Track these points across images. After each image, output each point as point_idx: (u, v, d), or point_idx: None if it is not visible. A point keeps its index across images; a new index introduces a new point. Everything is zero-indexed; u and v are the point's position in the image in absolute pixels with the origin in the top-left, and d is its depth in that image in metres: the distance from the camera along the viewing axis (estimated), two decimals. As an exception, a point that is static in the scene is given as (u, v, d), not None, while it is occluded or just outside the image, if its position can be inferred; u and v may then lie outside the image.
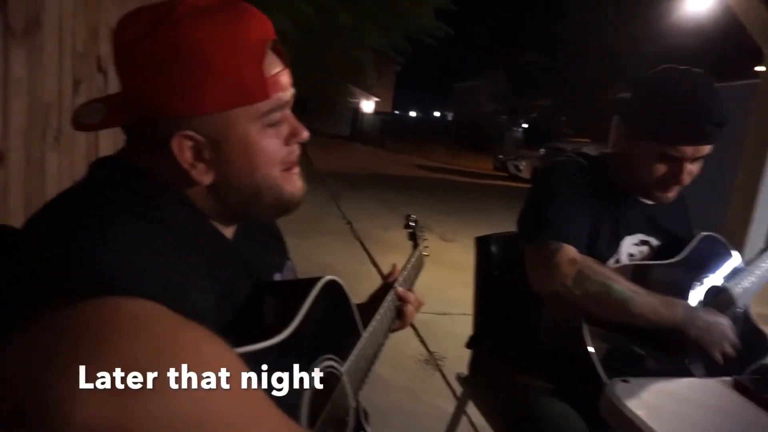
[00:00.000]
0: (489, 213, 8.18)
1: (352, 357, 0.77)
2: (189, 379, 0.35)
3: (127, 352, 0.34)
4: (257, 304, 0.66)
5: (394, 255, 1.30)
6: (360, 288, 1.00)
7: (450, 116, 42.96)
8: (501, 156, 18.06)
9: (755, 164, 3.00)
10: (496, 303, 1.52)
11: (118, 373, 0.33)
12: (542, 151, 15.59)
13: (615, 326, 1.14)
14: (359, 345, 0.80)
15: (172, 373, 0.34)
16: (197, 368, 0.36)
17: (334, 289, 0.74)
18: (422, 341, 2.97)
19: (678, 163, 1.19)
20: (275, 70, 0.62)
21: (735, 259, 1.34)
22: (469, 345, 1.55)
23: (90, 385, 0.32)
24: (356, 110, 25.14)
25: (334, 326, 0.77)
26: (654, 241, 1.32)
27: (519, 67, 28.20)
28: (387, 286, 1.02)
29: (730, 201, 3.10)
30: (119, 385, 0.32)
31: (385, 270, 0.88)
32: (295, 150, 0.68)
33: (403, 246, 1.29)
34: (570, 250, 1.15)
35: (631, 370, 1.02)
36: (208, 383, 0.35)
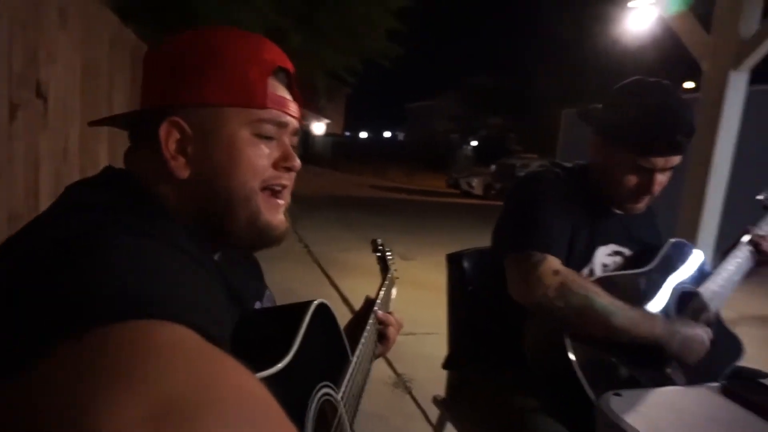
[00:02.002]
0: (446, 230, 8.26)
1: (345, 384, 0.74)
2: (225, 411, 0.31)
3: (158, 382, 0.31)
4: (251, 331, 0.61)
5: (354, 277, 1.27)
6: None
7: (401, 136, 43.51)
8: (453, 174, 18.45)
9: (700, 172, 3.15)
10: (472, 320, 1.48)
11: (151, 406, 0.29)
12: (493, 167, 16.01)
13: (596, 341, 1.13)
14: (350, 370, 0.77)
15: (208, 409, 0.31)
16: (235, 404, 0.32)
17: (324, 313, 0.69)
18: (389, 364, 2.91)
19: (649, 174, 1.20)
20: (281, 92, 0.64)
21: (699, 256, 1.36)
22: (446, 366, 1.51)
23: (118, 418, 0.28)
24: (307, 132, 25.14)
25: (326, 351, 0.73)
26: (626, 251, 1.33)
27: (469, 86, 29.08)
28: (365, 310, 1.00)
29: (678, 209, 3.23)
30: (149, 418, 0.29)
31: (346, 292, 0.86)
32: (284, 177, 0.66)
33: (362, 267, 1.27)
34: (553, 261, 1.14)
35: (615, 383, 1.01)
36: (244, 419, 0.32)
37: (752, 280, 1.42)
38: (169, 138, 0.60)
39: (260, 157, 0.63)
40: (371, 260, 1.29)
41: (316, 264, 5.12)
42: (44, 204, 1.83)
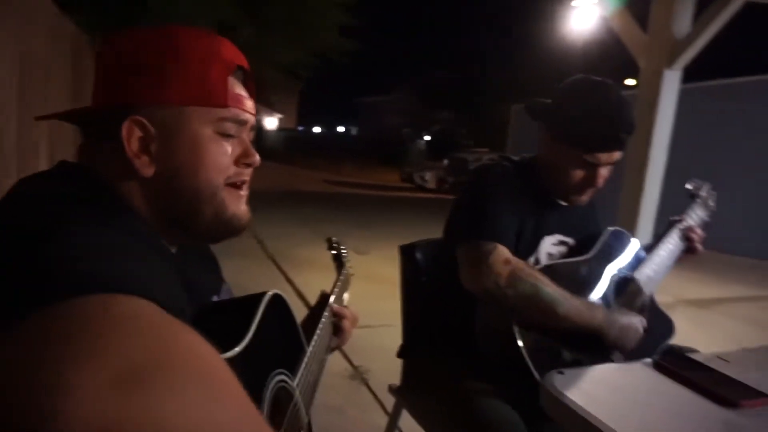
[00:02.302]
0: (399, 223, 8.33)
1: (301, 372, 0.76)
2: (187, 379, 0.33)
3: (125, 350, 0.33)
4: (207, 322, 0.62)
5: (309, 272, 1.29)
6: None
7: (354, 131, 43.42)
8: (407, 168, 18.57)
9: (639, 165, 3.32)
10: (425, 310, 1.53)
11: (116, 371, 0.31)
12: (446, 161, 16.24)
13: (543, 328, 1.19)
14: (306, 359, 0.79)
15: (170, 372, 0.33)
16: (194, 369, 0.35)
17: (279, 304, 0.71)
18: (345, 356, 2.93)
19: (594, 169, 1.28)
20: (239, 90, 0.66)
21: (635, 244, 1.45)
22: (400, 354, 1.54)
23: (88, 384, 0.30)
24: (259, 127, 24.73)
25: (281, 340, 0.75)
26: (570, 241, 1.40)
27: (421, 82, 29.31)
28: (320, 305, 1.03)
29: (618, 199, 3.40)
30: (118, 384, 0.30)
31: (301, 287, 0.89)
32: (245, 172, 0.69)
33: (317, 261, 1.30)
34: (503, 251, 1.19)
35: (560, 366, 1.07)
36: (204, 383, 0.34)
37: (685, 266, 1.52)
38: (131, 136, 0.60)
39: (223, 155, 0.64)
40: (325, 255, 1.31)
41: (270, 259, 5.07)
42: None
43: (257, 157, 0.69)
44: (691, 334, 3.57)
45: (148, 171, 0.61)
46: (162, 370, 0.33)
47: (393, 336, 1.73)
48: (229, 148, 0.65)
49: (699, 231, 1.44)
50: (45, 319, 0.35)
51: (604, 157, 1.26)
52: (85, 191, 0.57)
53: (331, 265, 1.28)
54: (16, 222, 0.47)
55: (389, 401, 1.83)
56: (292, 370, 0.74)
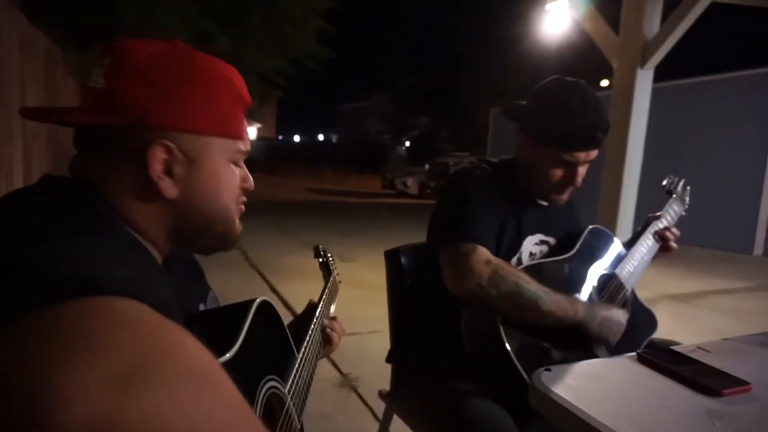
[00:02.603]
0: (384, 230, 8.34)
1: (292, 378, 0.76)
2: (180, 377, 0.34)
3: (119, 350, 0.33)
4: (195, 331, 0.62)
5: (294, 281, 1.29)
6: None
7: (334, 139, 43.38)
8: (388, 174, 18.62)
9: (616, 164, 3.38)
10: (412, 314, 1.53)
11: (109, 370, 0.31)
12: (427, 166, 16.32)
13: (527, 327, 1.20)
14: (296, 366, 0.79)
15: (164, 370, 0.33)
16: (187, 366, 0.35)
17: (267, 310, 0.71)
18: (334, 364, 2.92)
19: (572, 168, 1.30)
20: (244, 122, 0.71)
21: (617, 245, 1.48)
22: (389, 359, 1.55)
23: (81, 383, 0.30)
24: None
25: (271, 347, 0.75)
26: (551, 241, 1.42)
27: (399, 88, 29.43)
28: (308, 313, 1.03)
29: (598, 198, 3.45)
30: (111, 383, 0.31)
31: (287, 297, 0.89)
32: (244, 196, 0.74)
33: (302, 270, 1.29)
34: (484, 252, 1.20)
35: (547, 364, 1.08)
36: (198, 382, 0.35)
37: (665, 262, 1.56)
38: (155, 160, 0.61)
39: (235, 180, 0.70)
40: (311, 264, 1.30)
41: (255, 269, 5.04)
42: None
43: (251, 182, 0.75)
44: (674, 327, 3.64)
45: (172, 193, 0.63)
46: (155, 368, 0.33)
47: (381, 342, 1.73)
48: (237, 175, 0.70)
49: (674, 230, 1.48)
50: (37, 321, 0.35)
51: (582, 155, 1.29)
52: (72, 200, 0.57)
53: (317, 273, 1.28)
54: (4, 230, 0.47)
55: (379, 407, 1.83)
56: (283, 376, 0.74)
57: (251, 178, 0.74)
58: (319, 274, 1.27)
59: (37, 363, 0.32)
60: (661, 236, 1.46)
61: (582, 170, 1.32)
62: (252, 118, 24.55)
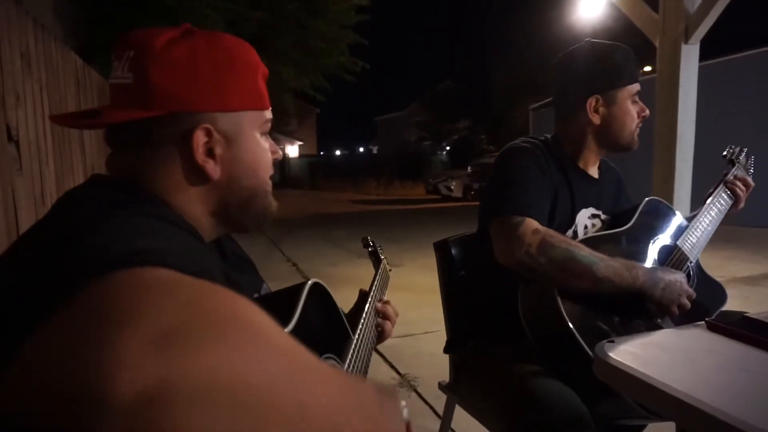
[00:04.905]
0: (430, 233, 8.24)
1: (350, 358, 0.76)
2: (221, 334, 0.34)
3: (157, 314, 0.34)
4: None
5: (346, 289, 1.29)
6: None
7: (375, 149, 43.64)
8: (431, 180, 18.57)
9: (667, 143, 3.25)
10: (467, 303, 1.52)
11: (150, 334, 0.32)
12: (469, 168, 16.19)
13: (588, 302, 1.17)
14: (353, 346, 0.79)
15: (203, 328, 0.34)
16: (231, 323, 0.36)
17: (319, 291, 0.72)
18: (392, 366, 2.92)
19: (637, 101, 1.36)
20: (266, 91, 0.71)
21: (678, 217, 1.42)
22: (447, 350, 1.54)
23: (128, 344, 0.31)
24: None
25: (326, 327, 0.75)
26: (602, 215, 1.38)
27: (434, 94, 29.38)
28: (360, 301, 1.04)
29: (650, 184, 3.33)
30: (152, 345, 0.31)
31: (340, 304, 0.90)
32: (272, 169, 0.74)
33: (352, 279, 1.30)
34: (532, 222, 1.19)
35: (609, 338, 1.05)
36: (245, 336, 0.35)
37: (731, 245, 1.49)
38: (198, 143, 0.63)
39: (267, 154, 0.71)
40: (360, 272, 1.31)
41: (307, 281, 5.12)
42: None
43: (280, 152, 0.75)
44: (745, 311, 3.43)
45: (216, 174, 0.65)
46: (195, 327, 0.33)
47: (436, 341, 1.72)
48: (267, 146, 0.71)
49: (748, 180, 1.46)
50: (87, 296, 0.36)
51: (637, 86, 1.35)
52: (120, 190, 0.60)
53: (367, 281, 1.29)
54: (60, 222, 0.51)
55: (440, 405, 1.81)
56: (341, 356, 0.75)
57: (278, 148, 0.76)
58: (369, 280, 1.28)
59: (83, 339, 0.33)
60: (731, 189, 1.44)
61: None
62: (293, 136, 25.10)
